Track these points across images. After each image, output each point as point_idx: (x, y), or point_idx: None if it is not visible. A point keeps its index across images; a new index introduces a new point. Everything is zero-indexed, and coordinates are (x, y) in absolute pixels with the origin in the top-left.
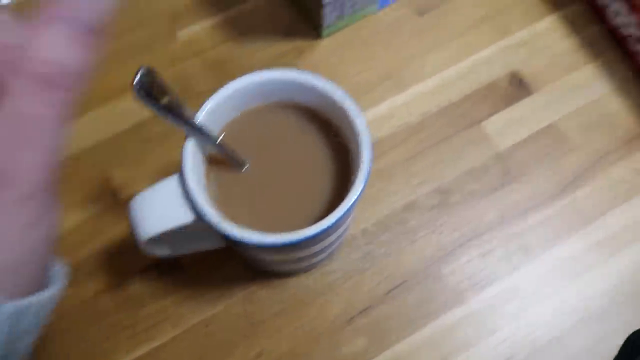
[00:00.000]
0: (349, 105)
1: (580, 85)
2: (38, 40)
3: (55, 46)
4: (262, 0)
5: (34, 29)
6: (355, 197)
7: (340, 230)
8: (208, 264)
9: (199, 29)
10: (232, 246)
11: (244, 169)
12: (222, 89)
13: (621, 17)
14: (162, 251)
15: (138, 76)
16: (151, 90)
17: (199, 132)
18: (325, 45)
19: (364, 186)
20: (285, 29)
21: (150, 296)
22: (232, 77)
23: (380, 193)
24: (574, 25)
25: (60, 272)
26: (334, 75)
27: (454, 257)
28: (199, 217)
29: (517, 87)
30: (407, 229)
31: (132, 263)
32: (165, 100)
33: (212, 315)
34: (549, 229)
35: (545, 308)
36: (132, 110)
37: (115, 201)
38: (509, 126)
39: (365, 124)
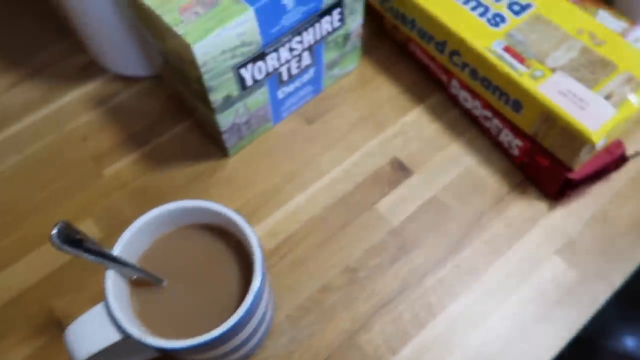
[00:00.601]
0: (241, 221)
1: (451, 161)
2: None
3: None
4: (174, 132)
5: None
6: (252, 296)
7: (253, 323)
8: None
9: (121, 166)
10: (164, 353)
11: (162, 286)
12: (134, 222)
13: (469, 102)
14: None
15: (55, 230)
16: (67, 239)
17: (116, 262)
18: (233, 162)
19: (261, 285)
20: (198, 153)
21: None
22: (155, 202)
23: (298, 280)
24: (436, 113)
25: None
26: (245, 185)
27: (369, 327)
28: (125, 335)
29: (399, 170)
30: (325, 308)
31: None
32: (81, 244)
33: None
34: (445, 287)
35: (454, 358)
36: None
37: (60, 330)
38: (398, 204)
39: (255, 234)
